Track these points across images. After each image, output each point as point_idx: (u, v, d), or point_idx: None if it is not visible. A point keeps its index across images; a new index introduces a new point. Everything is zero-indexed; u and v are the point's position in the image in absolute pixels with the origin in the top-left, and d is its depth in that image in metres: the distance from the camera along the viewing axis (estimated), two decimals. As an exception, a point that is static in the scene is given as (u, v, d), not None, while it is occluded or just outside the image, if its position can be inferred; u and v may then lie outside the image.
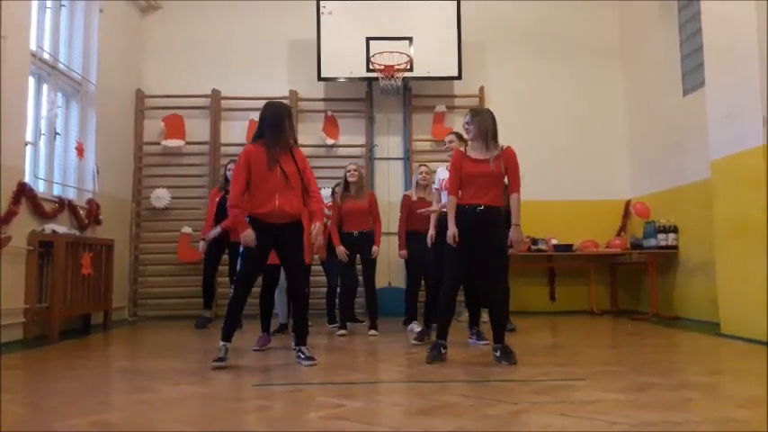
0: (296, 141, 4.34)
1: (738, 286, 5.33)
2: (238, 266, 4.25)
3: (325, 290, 6.67)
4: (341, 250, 5.93)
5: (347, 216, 6.00)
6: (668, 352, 4.85)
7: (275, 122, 4.13)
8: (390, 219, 7.07)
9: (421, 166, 6.42)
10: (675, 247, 7.33)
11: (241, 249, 4.17)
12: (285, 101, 8.36)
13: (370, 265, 6.06)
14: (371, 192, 6.34)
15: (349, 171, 6.07)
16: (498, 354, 4.07)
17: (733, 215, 5.44)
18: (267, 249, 4.18)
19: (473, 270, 4.21)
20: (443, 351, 4.15)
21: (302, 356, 4.13)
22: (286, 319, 5.79)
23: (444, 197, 5.09)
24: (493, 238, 4.13)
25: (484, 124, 4.21)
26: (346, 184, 6.09)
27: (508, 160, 4.21)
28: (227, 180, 6.50)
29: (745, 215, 5.22)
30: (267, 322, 5.01)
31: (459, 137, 5.17)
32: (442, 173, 5.23)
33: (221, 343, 4.06)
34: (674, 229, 7.35)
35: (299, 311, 4.28)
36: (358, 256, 6.09)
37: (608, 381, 3.42)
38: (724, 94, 5.59)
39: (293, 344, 4.25)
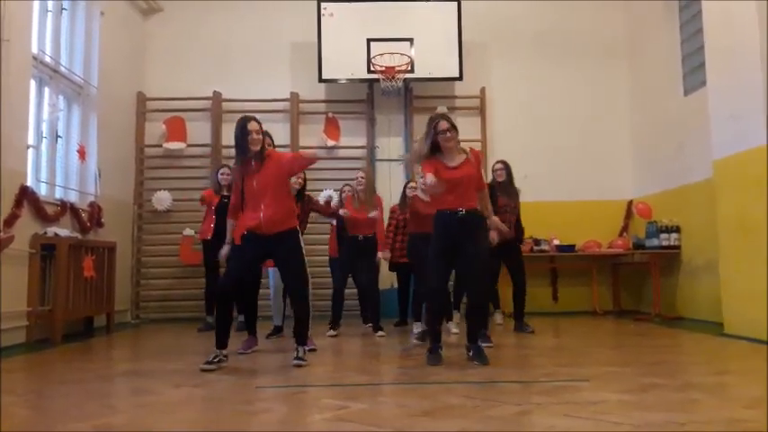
0: (261, 151, 4.11)
1: (742, 286, 5.31)
2: (224, 272, 4.24)
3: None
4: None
5: (355, 222, 6.01)
6: (672, 352, 4.83)
7: (236, 143, 4.12)
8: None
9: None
10: (678, 248, 7.32)
11: (224, 252, 4.20)
12: (286, 103, 8.42)
13: (373, 268, 6.09)
14: (380, 197, 6.35)
15: (357, 179, 6.11)
16: (471, 353, 4.11)
17: (736, 215, 5.42)
18: (256, 261, 4.16)
19: (458, 273, 4.24)
20: (441, 352, 4.19)
21: (294, 355, 4.13)
22: (281, 321, 5.80)
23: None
24: (475, 240, 4.12)
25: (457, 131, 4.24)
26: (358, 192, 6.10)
27: (478, 162, 4.29)
28: (220, 185, 6.60)
29: (747, 215, 5.21)
30: (253, 325, 5.00)
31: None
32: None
33: (216, 350, 4.07)
34: (677, 230, 7.34)
35: (299, 313, 4.24)
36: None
37: (612, 381, 3.41)
38: (726, 93, 5.58)
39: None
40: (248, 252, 4.11)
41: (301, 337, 4.21)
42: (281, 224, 4.07)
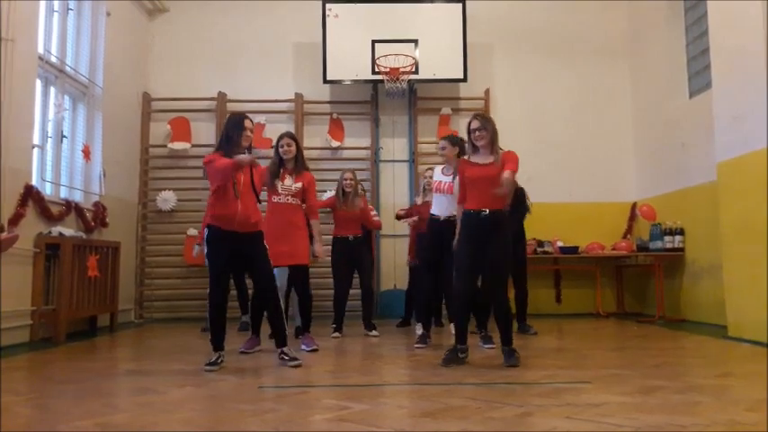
0: (249, 149, 4.21)
1: (745, 288, 5.30)
2: (210, 281, 4.19)
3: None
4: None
5: (342, 221, 6.04)
6: (675, 355, 4.82)
7: (226, 135, 4.16)
8: (395, 220, 7.04)
9: (427, 170, 6.41)
10: (682, 250, 7.30)
11: (206, 251, 4.16)
12: (290, 103, 8.44)
13: (367, 268, 6.13)
14: (364, 197, 6.40)
15: (346, 180, 6.05)
16: (504, 355, 4.11)
17: (739, 217, 5.41)
18: (233, 256, 4.15)
19: (480, 274, 4.24)
20: (461, 356, 4.15)
21: (286, 358, 4.15)
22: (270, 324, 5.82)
23: (438, 199, 5.16)
24: (498, 241, 4.13)
25: (495, 132, 4.23)
26: (344, 191, 6.08)
27: (508, 158, 4.11)
28: None
29: (751, 217, 5.19)
30: (257, 325, 5.01)
31: (452, 142, 5.17)
32: (438, 174, 5.25)
33: (214, 353, 4.09)
34: (681, 232, 7.33)
35: (272, 315, 4.27)
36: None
37: (614, 384, 3.41)
38: (730, 96, 5.57)
39: (275, 347, 4.30)
40: (222, 251, 4.10)
41: (281, 338, 4.23)
42: (253, 225, 4.13)
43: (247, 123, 4.17)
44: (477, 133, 4.19)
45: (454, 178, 5.01)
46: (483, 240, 4.11)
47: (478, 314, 5.21)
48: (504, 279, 4.25)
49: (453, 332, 5.40)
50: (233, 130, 4.12)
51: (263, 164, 5.00)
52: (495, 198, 4.13)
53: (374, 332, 5.87)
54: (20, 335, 5.45)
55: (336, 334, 5.87)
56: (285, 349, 4.20)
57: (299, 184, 4.99)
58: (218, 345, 4.11)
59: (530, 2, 8.77)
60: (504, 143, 8.73)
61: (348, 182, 6.04)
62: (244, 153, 4.12)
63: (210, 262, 4.14)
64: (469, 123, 4.28)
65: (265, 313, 4.46)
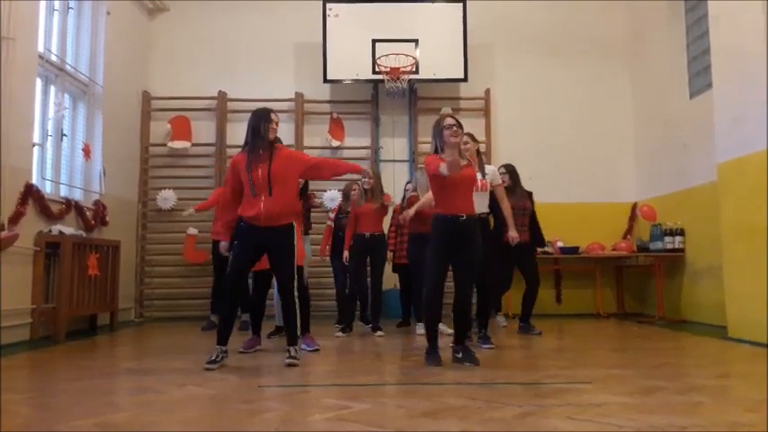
0: (273, 142, 4.22)
1: (745, 289, 5.30)
2: (229, 265, 4.26)
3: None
4: (346, 255, 6.08)
5: (360, 219, 6.05)
6: (675, 355, 4.82)
7: (252, 129, 4.18)
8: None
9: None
10: (682, 250, 7.30)
11: (224, 246, 4.27)
12: (291, 103, 8.44)
13: (378, 268, 6.12)
14: (387, 195, 6.34)
15: (364, 179, 6.02)
16: (460, 355, 4.09)
17: (740, 218, 5.41)
18: (257, 251, 4.19)
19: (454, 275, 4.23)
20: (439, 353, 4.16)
21: (287, 355, 4.15)
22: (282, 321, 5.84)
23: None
24: (472, 245, 4.12)
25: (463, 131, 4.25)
26: (365, 190, 6.10)
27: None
28: None
29: (751, 218, 5.20)
30: (257, 325, 5.01)
31: (473, 137, 5.09)
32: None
33: (217, 347, 4.09)
34: (681, 232, 7.33)
35: (287, 312, 4.29)
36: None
37: (615, 384, 3.41)
38: (731, 96, 5.57)
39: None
40: (247, 244, 4.15)
41: (291, 336, 4.24)
42: (278, 218, 4.13)
43: (273, 116, 4.23)
44: (455, 129, 4.14)
45: (483, 176, 4.97)
46: (459, 245, 4.09)
47: (478, 315, 5.21)
48: (472, 283, 4.25)
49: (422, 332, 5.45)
50: (260, 122, 4.16)
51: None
52: (470, 202, 4.15)
53: (379, 333, 5.88)
54: (20, 333, 5.44)
55: (339, 333, 5.86)
56: (290, 348, 4.20)
57: None
58: (223, 337, 4.11)
59: (530, 2, 8.76)
60: (504, 143, 8.84)
61: (368, 181, 6.03)
62: (268, 146, 4.16)
63: (234, 251, 4.22)
64: (443, 119, 4.22)
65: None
